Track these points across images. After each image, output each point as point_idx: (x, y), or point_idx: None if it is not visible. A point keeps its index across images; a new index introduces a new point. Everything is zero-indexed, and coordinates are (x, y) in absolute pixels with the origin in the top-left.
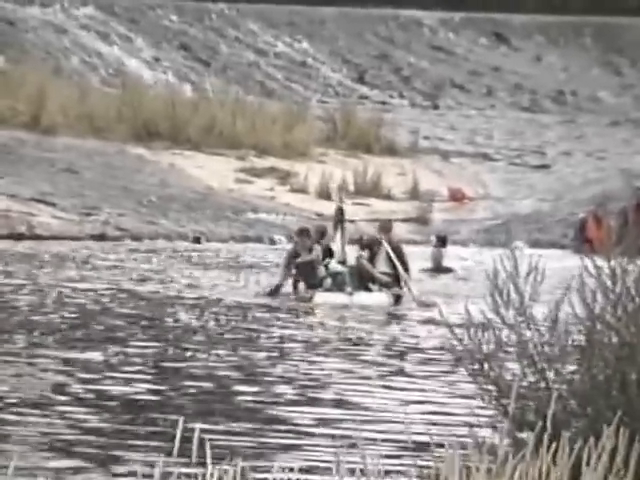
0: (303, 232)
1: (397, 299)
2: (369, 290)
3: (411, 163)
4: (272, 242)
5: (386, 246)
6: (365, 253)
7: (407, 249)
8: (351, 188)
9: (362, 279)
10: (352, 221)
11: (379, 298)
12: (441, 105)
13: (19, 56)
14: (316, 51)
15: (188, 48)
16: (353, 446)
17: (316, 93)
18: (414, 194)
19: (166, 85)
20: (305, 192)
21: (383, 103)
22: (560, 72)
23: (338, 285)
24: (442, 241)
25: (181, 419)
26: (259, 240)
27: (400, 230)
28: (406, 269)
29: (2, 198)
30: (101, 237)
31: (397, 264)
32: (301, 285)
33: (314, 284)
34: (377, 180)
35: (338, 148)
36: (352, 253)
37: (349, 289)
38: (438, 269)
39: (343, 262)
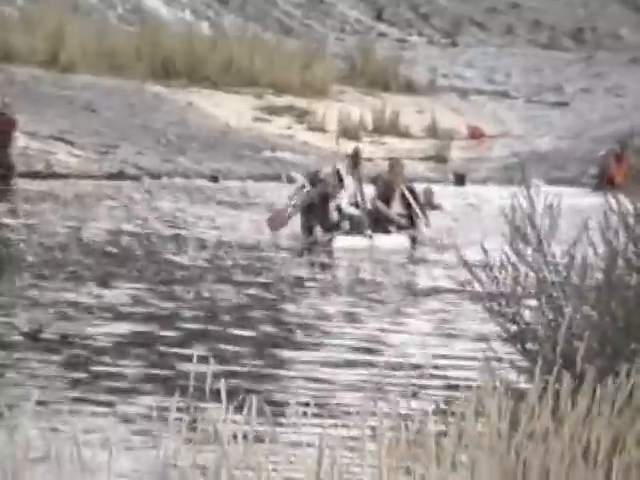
0: (315, 176)
1: (413, 240)
2: (387, 232)
3: (429, 101)
4: (290, 180)
5: (402, 188)
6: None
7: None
8: (369, 126)
9: (378, 221)
10: (370, 159)
11: (398, 240)
12: (459, 43)
13: None
14: None
15: None
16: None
17: (333, 31)
18: (432, 132)
19: (184, 23)
20: (323, 130)
21: (401, 41)
22: (579, 8)
23: (355, 228)
24: (460, 179)
25: (195, 354)
26: (277, 178)
27: (418, 168)
28: (421, 209)
29: (21, 136)
30: (119, 175)
31: (413, 205)
32: (317, 229)
33: (329, 228)
34: (395, 118)
35: (356, 86)
36: (367, 194)
37: (369, 232)
38: (428, 206)
39: (356, 205)
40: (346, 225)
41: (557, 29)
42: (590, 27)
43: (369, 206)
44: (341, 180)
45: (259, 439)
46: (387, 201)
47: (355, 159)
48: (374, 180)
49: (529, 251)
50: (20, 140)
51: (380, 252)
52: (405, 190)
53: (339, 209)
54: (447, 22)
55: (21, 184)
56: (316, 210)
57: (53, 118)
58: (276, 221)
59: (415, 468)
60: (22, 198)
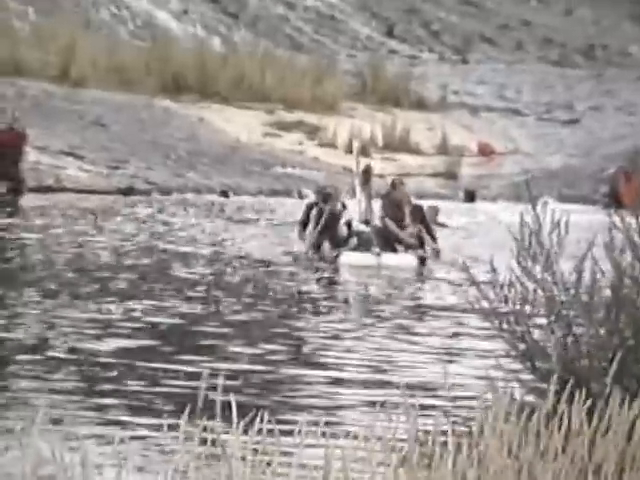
0: (326, 194)
1: (422, 261)
2: (395, 251)
3: (440, 118)
4: (300, 196)
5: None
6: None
7: (435, 204)
8: (380, 143)
9: (387, 240)
10: (381, 176)
11: (406, 259)
12: (470, 59)
13: (49, 8)
14: (345, 5)
15: (217, 1)
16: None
17: (344, 47)
18: (443, 149)
19: (195, 38)
20: (333, 146)
21: (412, 57)
22: (590, 26)
23: (364, 245)
24: (470, 196)
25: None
26: (287, 194)
27: (428, 185)
28: (428, 229)
29: (31, 151)
30: (129, 190)
31: (420, 227)
32: (326, 244)
33: (337, 244)
34: (406, 135)
35: (367, 102)
36: (376, 213)
37: (377, 249)
38: (434, 223)
39: (367, 222)
40: (354, 241)
41: (568, 46)
42: (601, 44)
43: (379, 224)
44: (344, 206)
45: (267, 456)
46: (398, 220)
47: (366, 176)
48: (383, 198)
49: (537, 269)
50: (31, 155)
51: (387, 270)
52: (411, 209)
53: (349, 225)
54: (458, 39)
55: (31, 199)
56: (326, 226)
57: (64, 133)
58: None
59: None
60: (32, 212)
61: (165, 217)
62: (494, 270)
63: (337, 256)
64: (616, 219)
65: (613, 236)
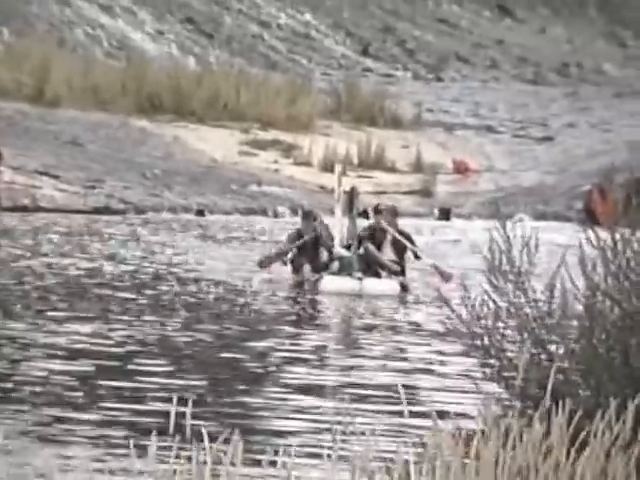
0: (308, 215)
1: (403, 287)
2: (378, 276)
3: (415, 136)
4: (276, 215)
5: (394, 233)
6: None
7: (410, 222)
8: (355, 161)
9: (369, 265)
10: (358, 191)
11: (389, 285)
12: (445, 78)
13: (23, 28)
14: (319, 23)
15: (192, 21)
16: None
17: (319, 65)
18: (418, 167)
19: (170, 58)
20: (309, 165)
21: (387, 76)
22: (564, 44)
23: (345, 269)
24: (445, 213)
25: (174, 397)
26: (263, 213)
27: (404, 203)
28: (416, 256)
29: (6, 171)
30: (105, 210)
31: (409, 250)
32: (306, 267)
33: (318, 268)
34: (381, 153)
35: (342, 121)
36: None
37: (358, 274)
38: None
39: (348, 247)
40: (335, 266)
41: (542, 65)
42: (575, 62)
43: (361, 249)
44: (330, 235)
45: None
46: (378, 245)
47: (351, 200)
48: (369, 224)
49: (509, 287)
50: (5, 174)
51: (369, 295)
52: (397, 235)
53: (330, 250)
54: (433, 57)
55: (6, 218)
56: (306, 249)
57: (39, 153)
58: (265, 260)
59: None
60: (5, 233)
61: (140, 237)
62: (465, 288)
63: (317, 280)
64: (590, 235)
65: (586, 252)
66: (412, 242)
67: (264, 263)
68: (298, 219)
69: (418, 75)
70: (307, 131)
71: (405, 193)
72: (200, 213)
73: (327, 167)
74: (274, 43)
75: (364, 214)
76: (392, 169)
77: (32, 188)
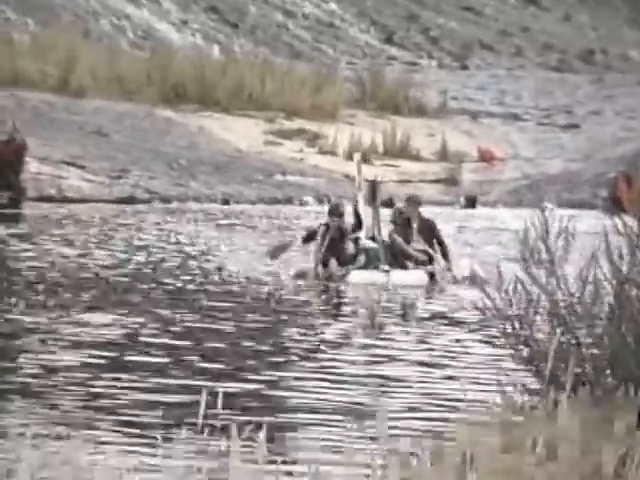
0: (336, 209)
1: (432, 277)
2: (405, 268)
3: (440, 124)
4: (302, 204)
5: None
6: (396, 229)
7: (436, 210)
8: (380, 149)
9: (396, 257)
10: (380, 182)
11: (416, 276)
12: (470, 66)
13: (48, 19)
14: (344, 12)
15: (216, 10)
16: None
17: (344, 54)
18: (443, 155)
19: (194, 48)
20: (334, 154)
21: (412, 64)
22: (589, 31)
23: (372, 262)
24: (471, 202)
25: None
26: (288, 202)
27: (429, 191)
28: (442, 245)
29: (32, 161)
30: (130, 200)
31: (435, 241)
32: (332, 262)
33: (345, 261)
34: (406, 141)
35: (367, 109)
36: (385, 228)
37: (385, 267)
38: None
39: (373, 238)
40: (362, 259)
41: (567, 52)
42: (600, 49)
43: (387, 239)
44: (359, 220)
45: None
46: (406, 236)
47: (373, 191)
48: (393, 214)
49: (542, 274)
50: (31, 165)
51: (396, 287)
52: (422, 226)
53: (356, 242)
54: (457, 45)
55: (32, 208)
56: (333, 243)
57: (64, 143)
58: (274, 251)
59: None
60: (32, 222)
61: (164, 226)
62: (500, 274)
63: (345, 274)
64: (617, 223)
65: (612, 241)
66: (439, 237)
67: (274, 253)
68: (322, 208)
69: (443, 63)
70: (332, 120)
71: (431, 182)
72: (225, 202)
73: (352, 156)
74: (299, 32)
75: (389, 203)
76: (417, 157)
77: (58, 178)
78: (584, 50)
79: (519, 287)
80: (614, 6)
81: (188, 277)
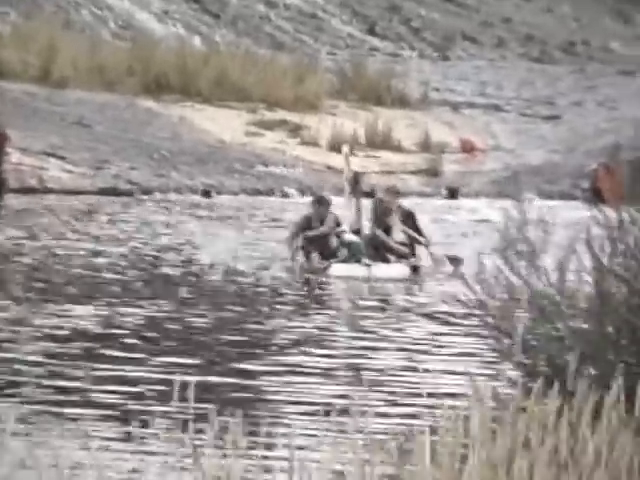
0: (321, 201)
1: (414, 269)
2: (387, 261)
3: (422, 115)
4: (283, 195)
5: (397, 216)
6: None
7: (418, 201)
8: (362, 140)
9: (377, 250)
10: (363, 173)
11: (398, 269)
12: (451, 56)
13: (30, 9)
14: (326, 3)
15: (198, 1)
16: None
17: (326, 45)
18: (425, 146)
19: (176, 38)
20: (316, 145)
21: (393, 55)
22: (571, 22)
23: (354, 256)
24: (453, 193)
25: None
26: (270, 193)
27: (411, 182)
28: (421, 234)
29: (14, 152)
30: (111, 190)
31: (413, 233)
32: (314, 255)
33: (327, 255)
34: (388, 132)
35: (349, 100)
36: (366, 222)
37: (366, 260)
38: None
39: (357, 232)
40: (344, 252)
41: (549, 43)
42: (582, 40)
43: (368, 233)
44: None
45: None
46: (386, 229)
47: (355, 184)
48: (372, 204)
49: (522, 264)
50: (13, 156)
51: (379, 281)
52: (401, 217)
53: (338, 235)
54: (439, 36)
55: (13, 200)
56: (314, 236)
57: (46, 134)
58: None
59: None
60: (13, 214)
61: (145, 218)
62: (481, 265)
63: (326, 268)
64: (597, 214)
65: (593, 232)
66: (417, 227)
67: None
68: (305, 200)
69: (424, 54)
70: (314, 111)
71: (412, 172)
72: (206, 193)
73: (334, 147)
74: (280, 23)
75: (371, 194)
76: (399, 148)
77: (39, 169)
78: (566, 41)
79: (499, 277)
80: None
81: (168, 268)
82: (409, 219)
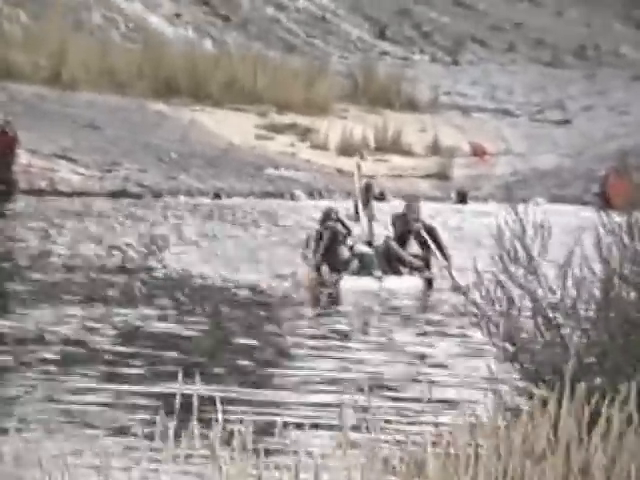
0: (328, 214)
1: (428, 283)
2: (399, 274)
3: (432, 119)
4: (293, 198)
5: (419, 227)
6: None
7: (428, 206)
8: (372, 144)
9: (390, 262)
10: (372, 177)
11: (411, 282)
12: (462, 61)
13: (40, 11)
14: (337, 6)
15: (208, 3)
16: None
17: (336, 49)
18: (435, 150)
19: (187, 41)
20: (326, 148)
21: (404, 59)
22: (582, 27)
23: (365, 268)
24: (462, 197)
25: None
26: (280, 196)
27: (421, 186)
28: (442, 251)
29: (23, 153)
30: (121, 193)
31: (432, 246)
32: (324, 268)
33: (338, 267)
34: (398, 136)
35: (359, 104)
36: (380, 233)
37: (378, 273)
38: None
39: (369, 243)
40: (355, 264)
41: (559, 47)
42: (592, 45)
43: (381, 244)
44: (347, 229)
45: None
46: (403, 241)
47: (367, 195)
48: (393, 220)
49: (521, 272)
50: (23, 158)
51: (390, 295)
52: (422, 230)
53: (350, 247)
54: (449, 40)
55: (23, 201)
56: (327, 248)
57: (56, 136)
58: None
59: None
60: (23, 215)
61: (155, 220)
62: (478, 274)
63: (337, 281)
64: (606, 219)
65: (601, 236)
66: (438, 242)
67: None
68: (314, 202)
69: (435, 58)
70: (324, 114)
71: (422, 177)
72: (217, 196)
73: (344, 151)
74: (291, 26)
75: (381, 197)
76: (409, 152)
77: (49, 171)
78: (576, 46)
79: (498, 286)
80: (606, 2)
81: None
82: (430, 234)
